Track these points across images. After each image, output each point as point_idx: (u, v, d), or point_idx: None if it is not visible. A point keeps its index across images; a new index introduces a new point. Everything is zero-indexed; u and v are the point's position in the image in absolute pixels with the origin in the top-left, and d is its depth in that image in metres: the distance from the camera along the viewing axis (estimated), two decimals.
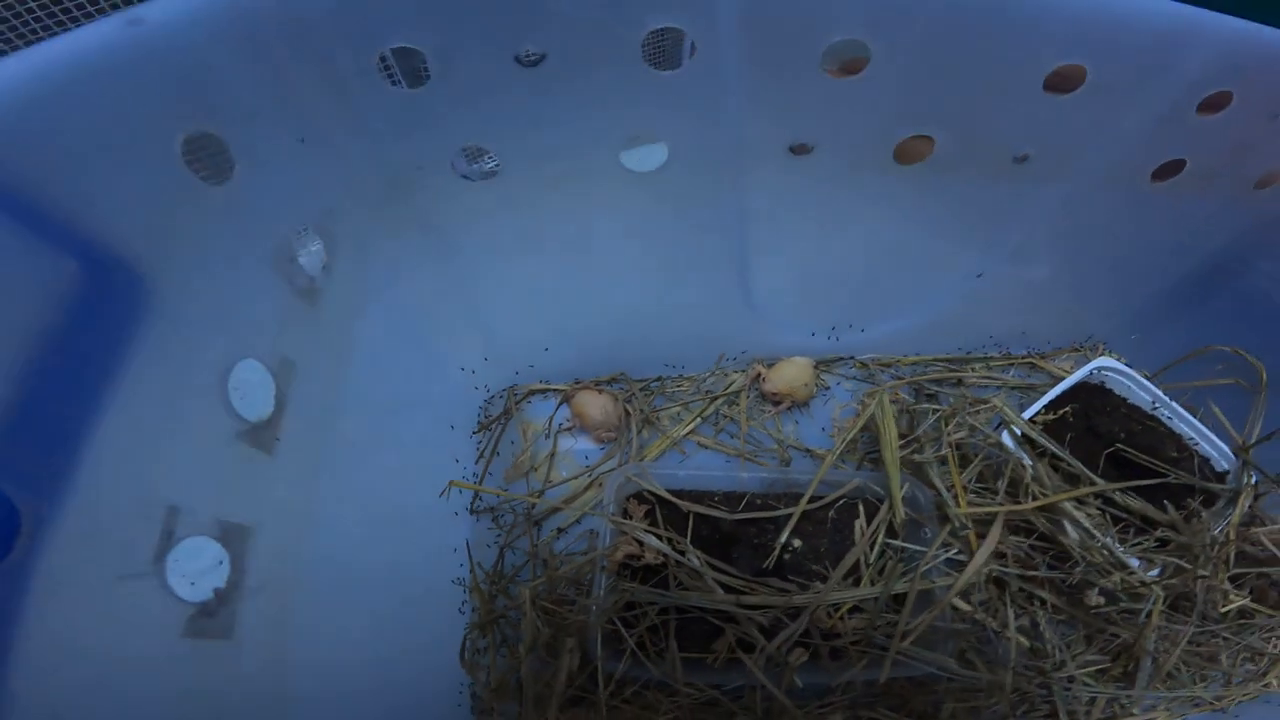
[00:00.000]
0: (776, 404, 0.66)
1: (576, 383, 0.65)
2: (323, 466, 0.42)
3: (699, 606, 0.50)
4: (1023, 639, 0.52)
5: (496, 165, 0.50)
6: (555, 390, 0.65)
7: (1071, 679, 0.51)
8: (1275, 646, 0.54)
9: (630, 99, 0.45)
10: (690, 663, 0.49)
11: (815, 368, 0.67)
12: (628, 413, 0.63)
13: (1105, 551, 0.54)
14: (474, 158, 0.58)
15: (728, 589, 0.51)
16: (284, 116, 0.38)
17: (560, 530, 0.57)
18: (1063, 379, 0.68)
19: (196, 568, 0.32)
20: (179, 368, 0.33)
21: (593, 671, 0.47)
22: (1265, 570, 0.56)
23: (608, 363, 0.65)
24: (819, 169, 0.53)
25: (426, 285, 0.53)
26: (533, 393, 0.65)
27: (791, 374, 0.65)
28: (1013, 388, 0.68)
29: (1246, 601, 0.54)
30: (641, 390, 0.65)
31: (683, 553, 0.52)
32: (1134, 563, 0.54)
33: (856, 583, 0.53)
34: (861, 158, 0.52)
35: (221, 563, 0.33)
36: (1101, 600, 0.54)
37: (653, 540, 0.52)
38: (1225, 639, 0.55)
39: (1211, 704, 0.52)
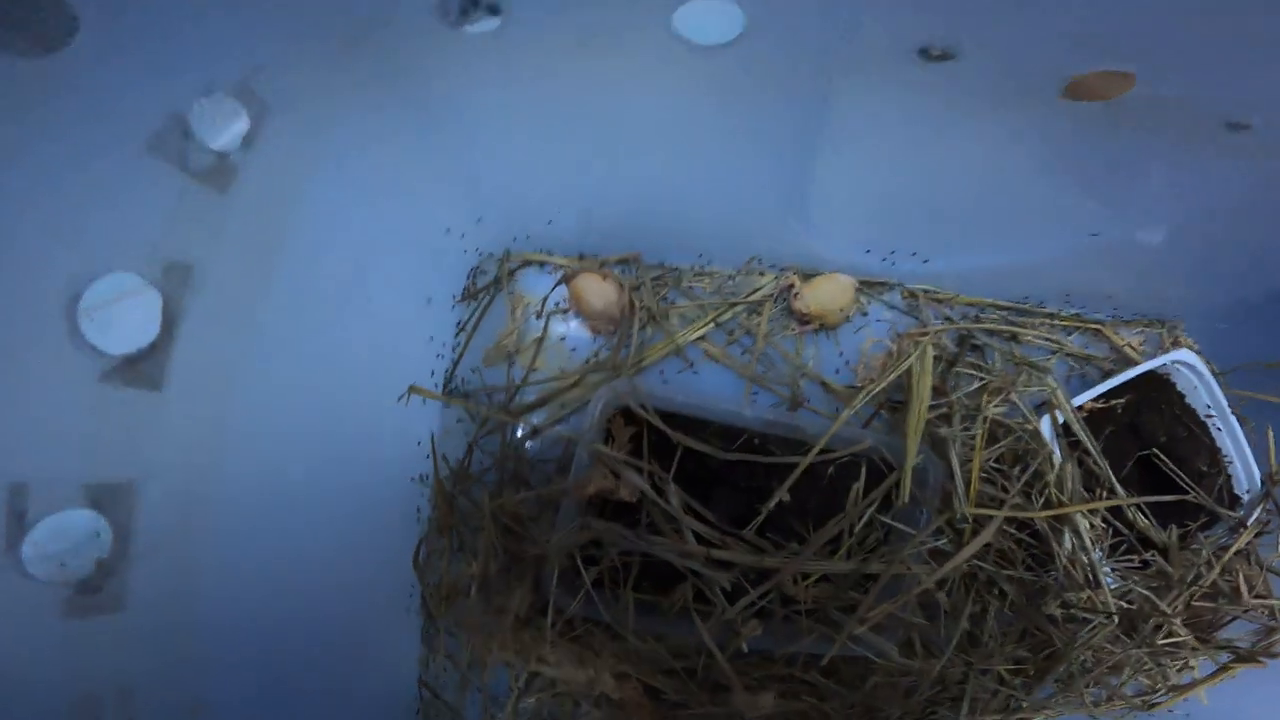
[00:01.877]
0: (804, 324, 0.57)
1: (581, 259, 0.55)
2: (241, 377, 0.34)
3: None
4: (967, 625, 0.51)
5: (499, 18, 0.35)
6: (555, 264, 0.55)
7: (985, 671, 0.52)
8: (1179, 673, 0.55)
9: None
10: (644, 606, 0.47)
11: (856, 289, 0.57)
12: (633, 305, 0.55)
13: (1088, 568, 0.52)
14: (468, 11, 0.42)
15: (700, 538, 0.48)
16: None
17: (536, 430, 0.52)
18: (1126, 353, 0.60)
19: (65, 546, 0.26)
20: None
21: (544, 606, 0.45)
22: (1223, 608, 0.54)
23: (620, 240, 0.55)
24: (951, 84, 0.39)
25: (401, 148, 0.42)
26: (529, 263, 0.55)
27: (829, 293, 0.56)
28: (1069, 354, 0.60)
29: (1188, 639, 0.53)
30: (653, 280, 0.56)
31: (661, 491, 0.48)
32: (1108, 581, 0.52)
33: (833, 551, 0.50)
34: (1019, 80, 0.38)
35: (99, 534, 0.28)
36: (1058, 611, 0.52)
37: (632, 478, 0.47)
38: (1135, 654, 0.55)
39: (1088, 708, 0.53)
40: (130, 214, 0.30)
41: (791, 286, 0.57)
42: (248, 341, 0.35)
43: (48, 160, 0.27)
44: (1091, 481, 0.55)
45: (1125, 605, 0.53)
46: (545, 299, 0.54)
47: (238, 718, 0.35)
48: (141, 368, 0.29)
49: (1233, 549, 0.54)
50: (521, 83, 0.42)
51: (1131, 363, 0.60)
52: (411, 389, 0.43)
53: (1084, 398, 0.55)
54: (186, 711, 0.32)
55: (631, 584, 0.47)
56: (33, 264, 0.25)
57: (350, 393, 0.44)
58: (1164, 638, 0.53)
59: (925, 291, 0.59)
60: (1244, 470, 0.57)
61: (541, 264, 0.55)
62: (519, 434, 0.52)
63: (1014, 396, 0.53)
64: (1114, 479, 0.54)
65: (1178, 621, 0.53)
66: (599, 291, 0.53)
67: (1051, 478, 0.52)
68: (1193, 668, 0.55)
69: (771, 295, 0.57)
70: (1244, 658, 0.54)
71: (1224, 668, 0.54)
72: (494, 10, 0.36)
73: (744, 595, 0.47)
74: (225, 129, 0.33)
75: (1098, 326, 0.61)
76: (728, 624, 0.46)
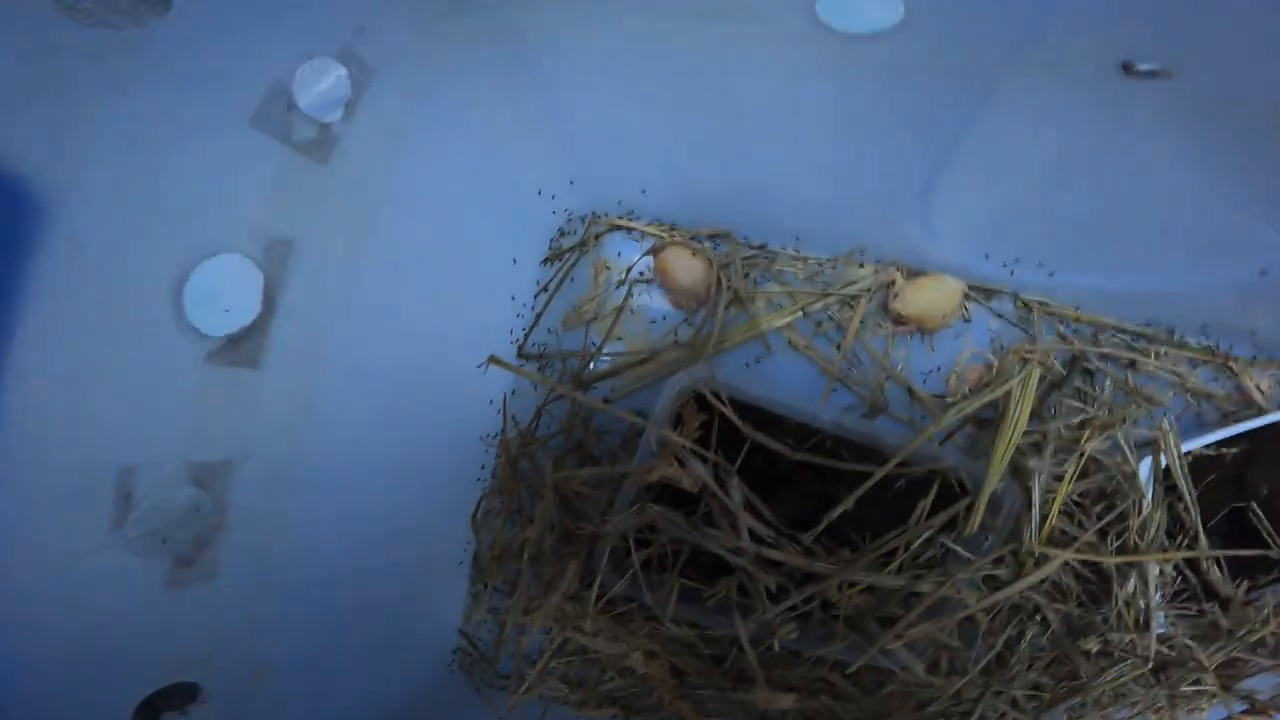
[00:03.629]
0: (899, 324, 0.53)
1: (672, 230, 0.52)
2: (332, 350, 0.35)
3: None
4: (999, 649, 0.51)
5: None
6: (644, 233, 0.52)
7: (1000, 694, 0.52)
8: (1188, 715, 0.54)
9: None
10: (687, 593, 0.48)
11: (965, 295, 0.53)
12: (720, 283, 0.52)
13: (1142, 612, 0.50)
14: None
15: (754, 536, 0.48)
16: None
17: (607, 401, 0.52)
18: (1253, 396, 0.55)
19: (167, 523, 0.28)
20: (104, 295, 0.24)
21: (591, 577, 0.47)
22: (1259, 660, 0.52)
23: (714, 215, 0.51)
24: (1150, 99, 0.33)
25: (500, 108, 0.39)
26: (617, 227, 0.52)
27: (933, 296, 0.52)
28: (1188, 390, 0.55)
29: (1217, 690, 0.51)
30: (744, 260, 0.52)
31: (724, 484, 0.48)
32: (1159, 627, 0.50)
33: (885, 563, 0.50)
34: (1237, 100, 0.32)
35: (199, 509, 0.29)
36: (1095, 647, 0.51)
37: (697, 468, 0.47)
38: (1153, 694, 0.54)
39: None
40: (234, 192, 0.30)
41: (893, 284, 0.52)
42: (341, 311, 0.35)
43: (152, 141, 0.27)
44: (1175, 527, 0.52)
45: (1165, 651, 0.52)
46: (630, 268, 0.52)
47: (294, 676, 0.38)
48: (244, 347, 0.30)
49: None
50: (632, 44, 0.38)
51: (1256, 405, 0.54)
52: (491, 359, 0.43)
53: (1195, 443, 0.51)
54: (250, 674, 0.35)
55: (678, 570, 0.48)
56: (139, 250, 0.25)
57: (432, 353, 0.45)
58: (1190, 684, 0.52)
59: (1040, 304, 0.54)
60: None
61: (629, 230, 0.52)
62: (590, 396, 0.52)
63: (1119, 435, 0.50)
64: (1201, 528, 0.51)
65: (1211, 671, 0.51)
66: (687, 267, 0.51)
67: (1135, 523, 0.49)
68: (1203, 710, 0.54)
69: (869, 289, 0.53)
70: (1257, 710, 0.52)
71: (1232, 718, 0.53)
72: None
73: (786, 596, 0.47)
74: (328, 97, 0.32)
75: (1230, 363, 0.55)
76: (765, 623, 0.47)
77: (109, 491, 0.27)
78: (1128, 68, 0.32)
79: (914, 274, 0.53)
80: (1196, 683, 0.52)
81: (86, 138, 0.25)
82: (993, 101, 0.38)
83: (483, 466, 0.51)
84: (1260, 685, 0.54)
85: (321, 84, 0.32)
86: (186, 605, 0.30)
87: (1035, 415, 0.51)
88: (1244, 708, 0.54)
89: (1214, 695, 0.53)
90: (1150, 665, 0.51)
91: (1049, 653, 0.53)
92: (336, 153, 0.33)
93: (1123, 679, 0.52)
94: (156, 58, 0.26)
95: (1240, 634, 0.52)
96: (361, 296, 0.37)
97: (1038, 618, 0.52)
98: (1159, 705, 0.54)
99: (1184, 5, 0.29)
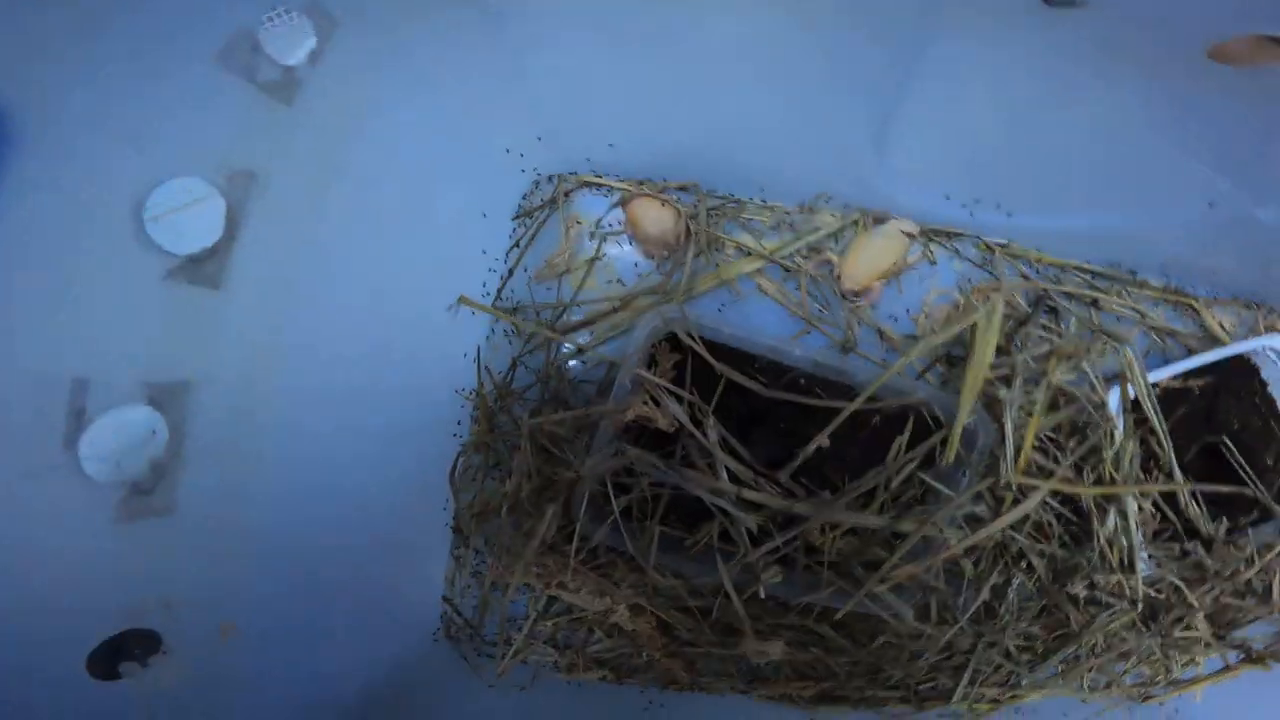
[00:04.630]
0: (856, 298, 0.54)
1: (640, 184, 0.53)
2: (298, 282, 0.35)
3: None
4: (987, 597, 0.51)
5: None
6: (612, 187, 0.53)
7: (994, 644, 0.51)
8: (1183, 668, 0.54)
9: None
10: (668, 541, 0.48)
11: (918, 237, 0.54)
12: (689, 232, 0.53)
13: (1125, 551, 0.50)
14: None
15: (733, 476, 0.48)
16: None
17: (580, 349, 0.52)
18: (1216, 333, 0.56)
19: (121, 444, 0.28)
20: (68, 212, 0.24)
21: (571, 527, 0.46)
22: (1250, 608, 0.53)
23: (680, 166, 0.53)
24: (1077, 33, 0.35)
25: (466, 62, 0.40)
26: (586, 184, 0.53)
27: (874, 255, 0.52)
28: (1153, 327, 0.56)
29: (1205, 635, 0.51)
30: (711, 210, 0.54)
31: (699, 424, 0.48)
32: (1144, 568, 0.50)
33: (866, 504, 0.49)
34: (1156, 36, 0.34)
35: (155, 432, 0.29)
36: (1082, 592, 0.51)
37: (672, 407, 0.47)
38: (1147, 645, 0.53)
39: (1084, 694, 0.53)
40: (198, 123, 0.30)
41: (830, 265, 0.53)
42: (308, 249, 0.36)
43: (120, 74, 0.28)
44: (1150, 463, 0.52)
45: (1153, 594, 0.51)
46: (600, 220, 0.53)
47: (266, 639, 0.37)
48: (204, 267, 0.30)
49: (1277, 549, 0.51)
50: (593, 3, 0.39)
51: (1219, 343, 0.55)
52: (461, 299, 0.44)
53: (1161, 374, 0.52)
54: (215, 627, 0.34)
55: (658, 517, 0.48)
56: (103, 168, 0.26)
57: (403, 301, 0.45)
58: (1182, 630, 0.52)
59: (1003, 246, 0.55)
60: None
61: (598, 186, 0.53)
62: (563, 352, 0.52)
63: (1085, 364, 0.50)
64: (1175, 463, 0.51)
65: (1201, 616, 0.51)
66: (655, 217, 0.52)
67: (1109, 454, 0.49)
68: (1198, 663, 0.54)
69: (809, 272, 0.54)
70: (1253, 659, 0.53)
71: (1229, 667, 0.53)
72: None
73: (769, 539, 0.47)
74: (293, 44, 0.33)
75: (1191, 301, 0.56)
76: (749, 568, 0.47)
77: (62, 407, 0.27)
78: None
79: (843, 250, 0.54)
80: (1189, 629, 0.52)
81: (56, 70, 0.26)
82: (938, 38, 0.39)
83: (459, 422, 0.51)
84: (1255, 633, 0.54)
85: (286, 31, 0.32)
86: (142, 540, 0.29)
87: (1003, 351, 0.52)
88: (1238, 658, 0.53)
89: (1208, 645, 0.53)
90: (1139, 609, 0.51)
91: (1037, 601, 0.53)
92: (301, 96, 0.34)
93: (1113, 625, 0.51)
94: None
95: (1226, 574, 0.52)
96: (329, 236, 0.37)
97: (1023, 563, 0.52)
98: (1153, 656, 0.54)
99: None
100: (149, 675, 0.31)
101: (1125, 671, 0.54)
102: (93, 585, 0.29)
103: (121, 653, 0.31)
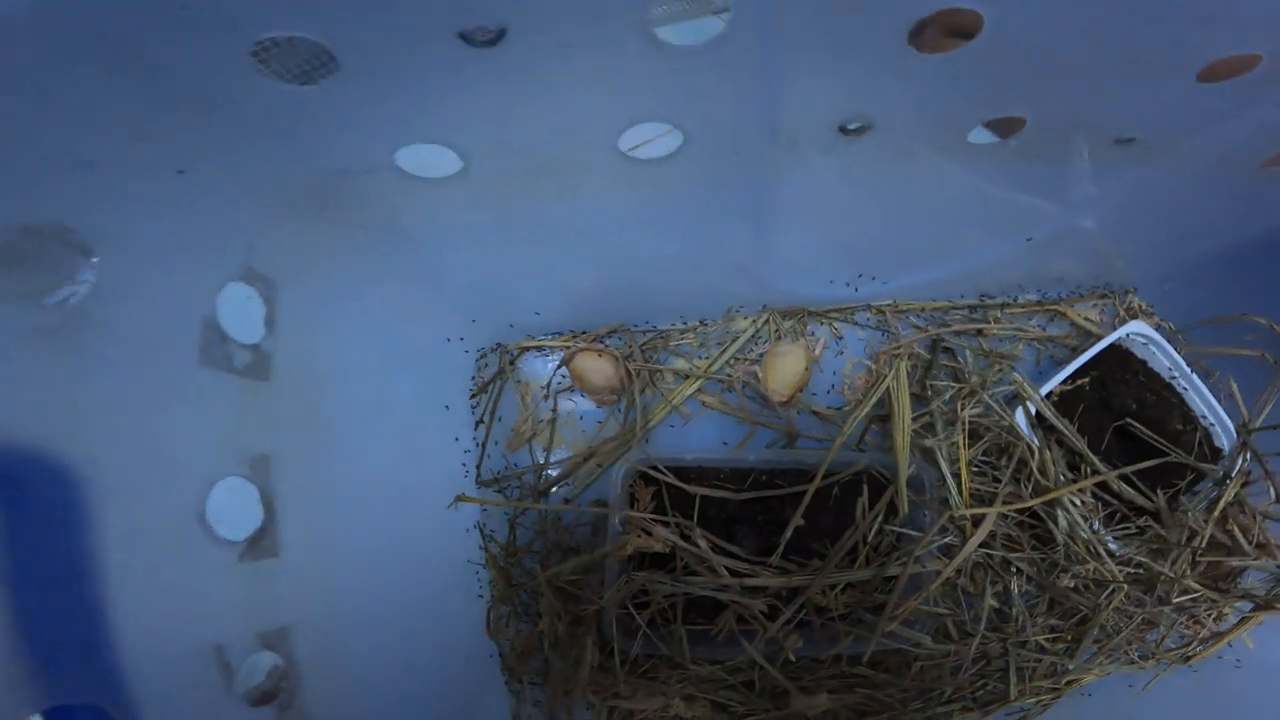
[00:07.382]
0: (786, 405, 0.61)
1: (574, 337, 0.60)
2: (330, 528, 0.40)
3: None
4: (994, 603, 0.56)
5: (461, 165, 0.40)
6: (551, 347, 0.60)
7: (1024, 644, 0.56)
8: (1216, 623, 0.58)
9: (630, 83, 0.36)
10: (695, 635, 0.52)
11: (811, 354, 0.62)
12: (630, 373, 0.60)
13: (1088, 542, 0.56)
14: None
15: (731, 571, 0.53)
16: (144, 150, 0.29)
17: (568, 501, 0.57)
18: (1086, 327, 0.65)
19: (259, 679, 0.32)
20: (158, 534, 0.29)
21: (610, 649, 0.50)
22: (1228, 561, 0.57)
23: (603, 313, 0.60)
24: (871, 149, 0.44)
25: (391, 280, 0.48)
26: (526, 350, 0.60)
27: (786, 371, 0.60)
28: (1033, 339, 0.65)
29: (1203, 591, 0.56)
30: (642, 346, 0.61)
31: (688, 538, 0.53)
32: (1113, 547, 0.56)
33: (853, 561, 0.55)
34: (929, 136, 0.43)
35: (278, 665, 0.33)
36: (1072, 583, 0.57)
37: (662, 532, 0.52)
38: (1166, 612, 0.57)
39: (1137, 664, 0.57)
40: (212, 424, 0.34)
41: (756, 378, 0.61)
42: (327, 500, 0.41)
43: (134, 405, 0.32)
44: (1076, 459, 0.58)
45: (1135, 572, 0.56)
46: (549, 382, 0.59)
47: None
48: (262, 544, 0.34)
49: (1221, 501, 0.57)
50: (486, 208, 0.46)
51: (1092, 336, 0.64)
52: (460, 498, 0.49)
53: (1050, 385, 0.60)
54: None
55: (680, 619, 0.52)
56: (159, 495, 0.30)
57: (403, 503, 0.50)
58: (1180, 594, 0.56)
59: (890, 306, 0.64)
60: (1220, 425, 0.60)
61: (539, 349, 0.60)
62: (552, 503, 0.57)
63: (985, 397, 0.58)
64: (1092, 456, 0.57)
65: (1189, 578, 0.55)
66: (596, 367, 0.58)
67: (1034, 465, 0.57)
68: (1227, 615, 0.58)
69: (740, 380, 0.61)
70: (1262, 606, 0.56)
71: (1247, 617, 0.57)
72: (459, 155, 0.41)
73: (781, 614, 0.52)
74: (248, 317, 0.38)
75: (1056, 306, 0.66)
76: (771, 640, 0.51)
77: (214, 665, 0.31)
78: (843, 129, 0.43)
79: (758, 358, 0.62)
80: (1185, 591, 0.56)
81: (88, 411, 0.30)
82: (781, 173, 0.48)
83: (479, 584, 0.55)
84: (1256, 580, 0.59)
85: (238, 305, 0.37)
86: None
87: (919, 399, 0.60)
88: (1250, 606, 0.57)
89: (1214, 600, 0.56)
90: (1125, 587, 0.56)
91: (1042, 598, 0.57)
92: (275, 366, 0.38)
93: (1115, 602, 0.55)
94: (101, 320, 0.30)
95: (1184, 539, 0.56)
96: (343, 484, 0.43)
97: (1013, 570, 0.58)
98: (1179, 622, 0.57)
99: (862, 81, 0.40)
100: None
101: (1161, 639, 0.57)
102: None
103: None
